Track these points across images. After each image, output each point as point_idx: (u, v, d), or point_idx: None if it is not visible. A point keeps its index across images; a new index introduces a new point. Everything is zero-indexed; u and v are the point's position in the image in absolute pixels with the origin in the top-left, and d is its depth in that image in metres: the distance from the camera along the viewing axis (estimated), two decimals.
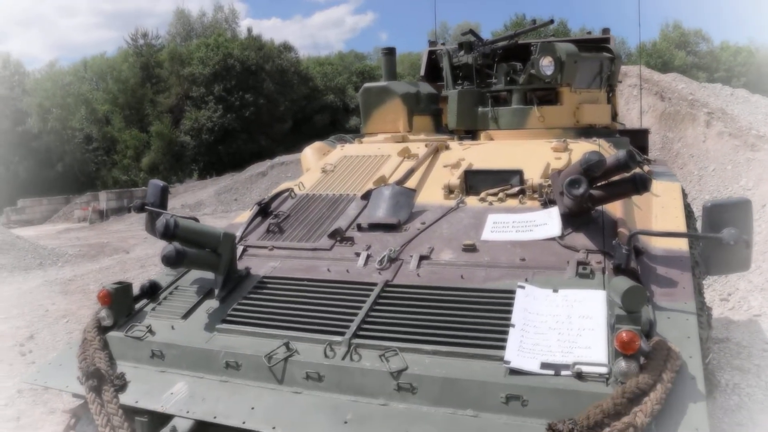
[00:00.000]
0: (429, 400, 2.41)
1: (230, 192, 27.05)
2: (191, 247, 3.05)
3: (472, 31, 5.81)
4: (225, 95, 36.34)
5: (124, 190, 30.62)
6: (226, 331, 3.02)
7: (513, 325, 2.62)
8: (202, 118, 36.11)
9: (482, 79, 5.63)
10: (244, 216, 4.30)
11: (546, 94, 5.24)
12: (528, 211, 3.52)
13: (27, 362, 7.39)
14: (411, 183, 4.07)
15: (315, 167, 4.92)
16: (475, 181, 3.89)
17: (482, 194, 3.80)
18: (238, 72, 36.66)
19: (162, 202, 3.79)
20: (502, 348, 2.51)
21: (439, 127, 5.87)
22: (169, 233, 2.98)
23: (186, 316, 3.21)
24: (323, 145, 5.77)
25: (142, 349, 3.04)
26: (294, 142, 36.61)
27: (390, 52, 6.02)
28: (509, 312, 2.71)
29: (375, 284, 3.12)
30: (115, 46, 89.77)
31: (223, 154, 36.32)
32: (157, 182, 3.89)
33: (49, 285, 11.64)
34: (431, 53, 6.87)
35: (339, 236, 3.62)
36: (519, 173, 3.80)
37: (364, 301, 2.98)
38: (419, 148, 4.71)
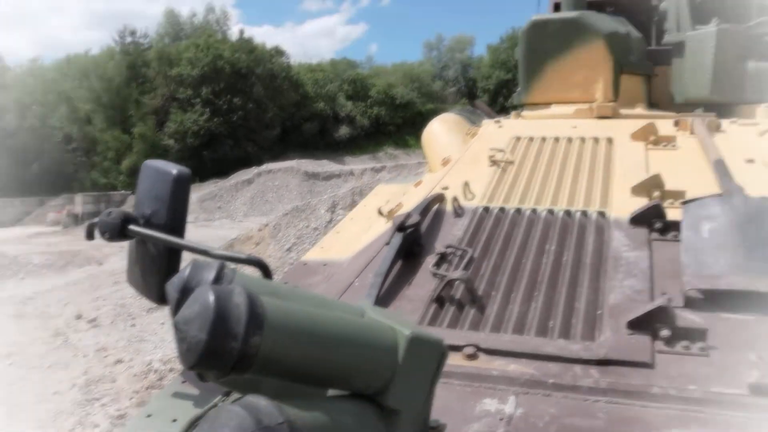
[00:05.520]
0: None
1: (214, 199, 25.96)
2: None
3: None
4: (213, 98, 35.35)
5: (101, 194, 29.47)
6: None
7: None
8: (187, 121, 35.09)
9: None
10: (332, 245, 2.42)
11: None
12: None
13: None
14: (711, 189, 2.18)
15: (474, 155, 2.81)
16: None
17: None
18: (228, 75, 35.71)
19: (175, 217, 1.43)
20: None
21: (649, 99, 3.68)
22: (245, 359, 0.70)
23: None
24: (460, 120, 3.63)
25: None
26: (281, 150, 35.66)
27: None
28: None
29: None
30: (102, 45, 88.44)
31: (207, 159, 35.12)
32: (166, 167, 1.46)
33: (1, 304, 10.31)
34: None
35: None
36: None
37: None
38: (666, 127, 2.80)
